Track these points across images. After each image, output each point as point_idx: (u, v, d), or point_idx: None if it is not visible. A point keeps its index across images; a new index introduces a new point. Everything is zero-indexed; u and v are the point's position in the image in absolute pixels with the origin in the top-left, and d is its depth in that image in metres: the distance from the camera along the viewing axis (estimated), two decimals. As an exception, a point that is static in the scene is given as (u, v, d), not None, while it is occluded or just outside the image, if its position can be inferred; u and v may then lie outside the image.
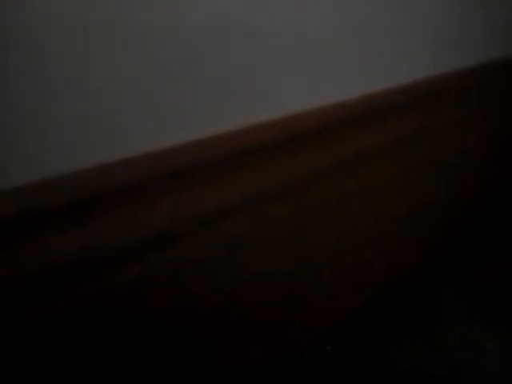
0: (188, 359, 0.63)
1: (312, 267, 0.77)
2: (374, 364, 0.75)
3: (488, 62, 1.03)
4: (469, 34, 0.99)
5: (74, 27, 0.48)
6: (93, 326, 0.53)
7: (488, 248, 1.06)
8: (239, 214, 0.66)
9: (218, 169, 0.62)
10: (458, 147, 1.02)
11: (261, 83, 0.66)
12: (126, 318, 0.56)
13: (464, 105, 1.00)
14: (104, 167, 0.52)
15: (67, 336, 0.51)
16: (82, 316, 0.52)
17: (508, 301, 0.88)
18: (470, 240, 1.09)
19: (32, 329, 0.48)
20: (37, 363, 0.50)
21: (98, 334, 0.53)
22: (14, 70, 0.45)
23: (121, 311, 0.55)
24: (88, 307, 0.52)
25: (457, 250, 1.05)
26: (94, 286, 0.53)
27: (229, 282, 0.66)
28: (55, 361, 0.51)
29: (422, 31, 0.88)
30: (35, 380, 0.50)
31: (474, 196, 1.13)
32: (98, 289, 0.52)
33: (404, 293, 0.92)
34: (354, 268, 0.85)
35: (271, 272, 0.71)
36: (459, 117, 0.99)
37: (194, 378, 0.65)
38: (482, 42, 1.02)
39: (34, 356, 0.49)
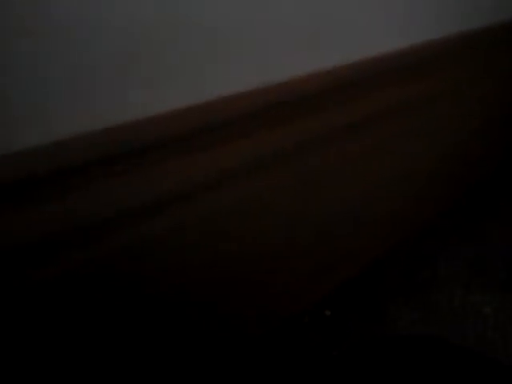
0: (185, 326, 0.63)
1: (311, 232, 0.77)
2: (372, 328, 0.76)
3: (490, 25, 1.01)
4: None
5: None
6: (91, 290, 0.53)
7: (488, 213, 1.06)
8: (242, 178, 0.65)
9: (220, 133, 0.61)
10: (459, 111, 1.01)
11: (262, 44, 0.65)
12: (124, 281, 0.56)
13: (466, 69, 0.98)
14: (105, 131, 0.51)
15: (63, 302, 0.51)
16: (80, 281, 0.52)
17: (506, 266, 0.88)
18: (470, 205, 1.09)
19: (29, 293, 0.48)
20: (33, 327, 0.50)
21: (96, 299, 0.53)
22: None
23: (118, 275, 0.55)
24: (85, 272, 0.52)
25: (457, 215, 1.06)
26: (92, 251, 0.52)
27: (227, 247, 0.66)
28: (48, 326, 0.51)
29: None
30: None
31: (475, 160, 1.13)
32: (95, 254, 0.52)
33: (403, 258, 0.92)
34: (353, 233, 0.85)
35: (271, 236, 0.71)
36: (460, 81, 0.98)
37: (191, 344, 0.65)
38: (484, 5, 1.00)
39: (32, 319, 0.49)
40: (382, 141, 0.85)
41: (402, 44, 0.84)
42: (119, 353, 0.57)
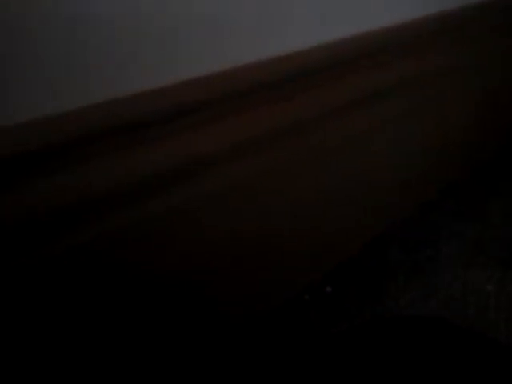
0: (185, 306, 0.63)
1: (312, 210, 0.76)
2: (372, 306, 0.75)
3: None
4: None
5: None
6: (92, 268, 0.52)
7: (490, 192, 1.06)
8: (244, 155, 0.64)
9: (222, 107, 0.60)
10: (463, 89, 0.99)
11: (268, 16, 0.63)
12: (124, 260, 0.55)
13: (469, 45, 0.96)
14: (106, 105, 0.50)
15: (64, 280, 0.50)
16: (82, 259, 0.51)
17: (508, 244, 0.88)
18: (471, 184, 1.08)
19: (27, 273, 0.47)
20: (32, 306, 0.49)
21: (98, 277, 0.53)
22: None
23: (117, 257, 0.54)
24: (86, 251, 0.51)
25: (458, 194, 1.05)
26: (92, 229, 0.51)
27: (227, 225, 0.65)
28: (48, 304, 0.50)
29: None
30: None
31: (479, 140, 1.11)
32: (96, 232, 0.51)
33: (404, 237, 0.92)
34: (354, 211, 0.84)
35: (273, 214, 0.70)
36: (466, 57, 0.96)
37: (193, 323, 0.65)
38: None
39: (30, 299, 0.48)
40: (383, 119, 0.84)
41: (399, 19, 0.82)
42: (112, 338, 0.56)
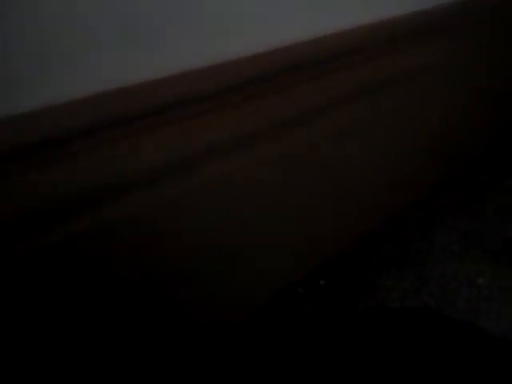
0: (177, 300, 0.63)
1: (304, 206, 0.77)
2: (366, 298, 0.76)
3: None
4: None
5: None
6: (81, 264, 0.52)
7: (483, 185, 1.06)
8: (232, 152, 0.64)
9: (211, 103, 0.60)
10: (460, 82, 1.00)
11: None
12: (113, 255, 0.55)
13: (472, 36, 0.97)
14: (93, 99, 0.50)
15: (54, 274, 0.50)
16: (69, 254, 0.51)
17: (502, 237, 0.89)
18: (465, 178, 1.09)
19: (17, 267, 0.48)
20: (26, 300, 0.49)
21: (86, 273, 0.53)
22: None
23: (106, 252, 0.54)
24: (74, 246, 0.51)
25: (451, 187, 1.06)
26: (79, 225, 0.51)
27: (221, 216, 0.65)
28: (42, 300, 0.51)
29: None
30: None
31: (474, 133, 1.12)
32: (83, 228, 0.51)
33: (397, 229, 0.92)
34: (348, 203, 0.85)
35: (268, 207, 0.71)
36: (467, 50, 0.96)
37: (182, 318, 0.65)
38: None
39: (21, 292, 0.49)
40: (379, 112, 0.84)
41: (382, 16, 0.82)
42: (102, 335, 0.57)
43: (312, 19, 0.71)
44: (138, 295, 0.58)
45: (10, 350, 0.48)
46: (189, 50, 0.58)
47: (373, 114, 0.83)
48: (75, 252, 0.50)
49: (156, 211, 0.57)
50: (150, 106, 0.53)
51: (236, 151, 0.64)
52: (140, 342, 0.60)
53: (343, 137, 0.79)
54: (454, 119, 1.03)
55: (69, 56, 0.48)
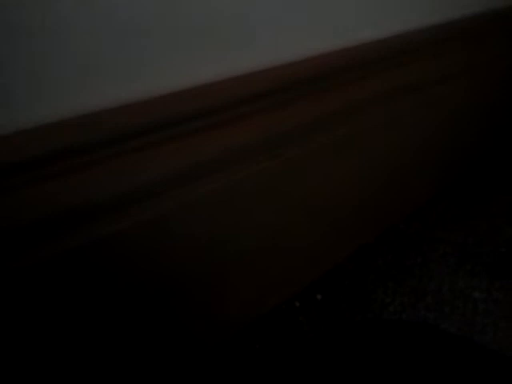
0: (177, 311, 0.63)
1: (302, 218, 0.77)
2: (362, 313, 0.76)
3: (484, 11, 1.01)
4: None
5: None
6: (88, 273, 0.52)
7: (476, 199, 1.07)
8: (231, 167, 0.64)
9: (212, 119, 0.60)
10: (453, 98, 1.01)
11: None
12: (119, 266, 0.55)
13: (475, 53, 0.98)
14: (96, 115, 0.50)
15: (59, 284, 0.50)
16: (77, 264, 0.51)
17: (496, 251, 0.89)
18: (458, 191, 1.10)
19: (25, 276, 0.48)
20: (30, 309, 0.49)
21: (92, 281, 0.53)
22: None
23: (109, 264, 0.55)
24: (79, 258, 0.51)
25: (445, 200, 1.06)
26: (81, 237, 0.52)
27: (217, 232, 0.66)
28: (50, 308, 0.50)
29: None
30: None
31: (466, 147, 1.13)
32: (88, 240, 0.51)
33: (392, 243, 0.93)
34: (342, 218, 0.85)
35: (266, 222, 0.71)
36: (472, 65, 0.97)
37: (181, 330, 0.65)
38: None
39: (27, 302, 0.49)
40: (371, 127, 0.85)
41: (394, 31, 0.84)
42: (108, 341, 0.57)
43: (310, 38, 0.72)
44: (139, 305, 0.58)
45: (16, 355, 0.48)
46: (183, 69, 0.59)
47: (369, 128, 0.84)
48: (78, 263, 0.50)
49: (157, 224, 0.57)
50: (152, 122, 0.53)
51: (232, 166, 0.65)
52: (138, 351, 0.59)
53: (337, 149, 0.80)
54: (446, 134, 1.04)
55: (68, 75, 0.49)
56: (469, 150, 1.15)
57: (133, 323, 0.58)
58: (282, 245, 0.75)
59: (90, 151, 0.49)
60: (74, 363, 0.53)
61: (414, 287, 0.81)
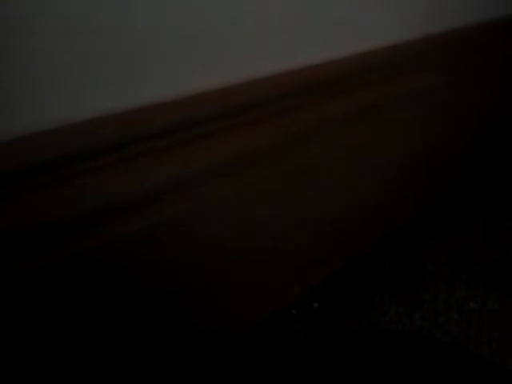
0: (176, 317, 0.63)
1: (296, 227, 0.77)
2: (358, 322, 0.77)
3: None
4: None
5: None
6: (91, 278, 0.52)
7: (472, 208, 1.08)
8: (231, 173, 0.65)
9: (209, 126, 0.61)
10: (450, 107, 1.02)
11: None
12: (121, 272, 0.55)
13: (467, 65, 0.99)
14: (96, 122, 0.50)
15: (62, 289, 0.50)
16: (78, 271, 0.51)
17: (491, 261, 0.90)
18: (454, 201, 1.10)
19: (27, 281, 0.48)
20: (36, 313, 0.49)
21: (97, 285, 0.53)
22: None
23: (113, 268, 0.55)
24: (81, 264, 0.51)
25: (441, 210, 1.07)
26: (87, 242, 0.52)
27: (216, 237, 0.66)
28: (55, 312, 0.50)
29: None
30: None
31: (462, 156, 1.14)
32: (93, 245, 0.51)
33: (388, 253, 0.93)
34: (338, 228, 0.85)
35: (262, 230, 0.71)
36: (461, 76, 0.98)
37: (179, 337, 0.65)
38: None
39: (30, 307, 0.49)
40: (371, 136, 0.86)
41: (395, 39, 0.85)
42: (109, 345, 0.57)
43: (308, 49, 0.73)
44: (140, 307, 0.58)
45: (20, 357, 0.48)
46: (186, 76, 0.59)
47: (369, 137, 0.84)
48: (84, 267, 0.51)
49: (157, 232, 0.57)
50: (152, 129, 0.54)
51: (237, 172, 0.65)
52: (138, 351, 0.59)
53: (336, 158, 0.80)
54: (440, 145, 1.05)
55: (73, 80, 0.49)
56: (464, 160, 1.16)
57: (133, 324, 0.58)
58: (282, 249, 0.75)
59: (96, 157, 0.49)
60: (77, 365, 0.53)
61: (410, 297, 0.82)
